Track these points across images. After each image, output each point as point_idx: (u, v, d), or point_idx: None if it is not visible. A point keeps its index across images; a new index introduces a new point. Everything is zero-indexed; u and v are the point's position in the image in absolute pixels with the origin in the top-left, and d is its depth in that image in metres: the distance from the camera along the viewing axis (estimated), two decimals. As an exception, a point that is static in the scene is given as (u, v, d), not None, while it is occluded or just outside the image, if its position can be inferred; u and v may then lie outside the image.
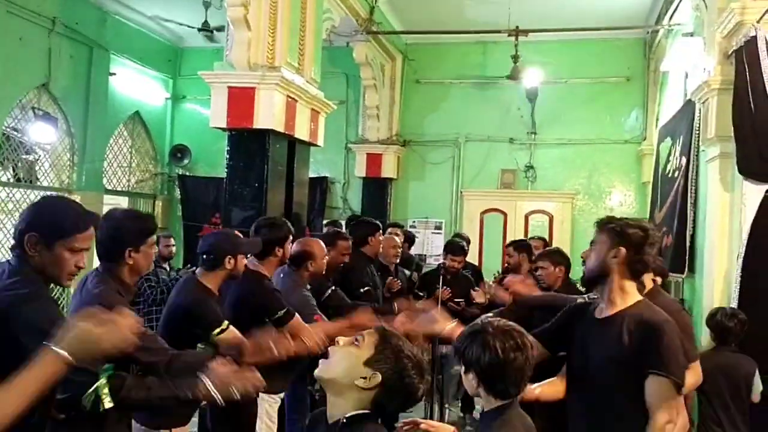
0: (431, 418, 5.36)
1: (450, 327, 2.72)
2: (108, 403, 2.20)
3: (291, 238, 3.76)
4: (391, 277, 5.49)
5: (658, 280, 3.49)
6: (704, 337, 4.57)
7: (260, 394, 3.72)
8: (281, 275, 4.00)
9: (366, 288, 4.78)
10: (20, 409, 1.60)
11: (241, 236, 3.42)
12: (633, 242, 2.39)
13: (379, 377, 1.67)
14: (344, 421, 1.67)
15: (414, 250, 7.49)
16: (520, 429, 1.91)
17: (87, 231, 2.21)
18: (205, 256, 3.22)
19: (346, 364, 1.70)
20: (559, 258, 4.72)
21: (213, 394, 2.29)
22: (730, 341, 4.07)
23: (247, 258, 3.39)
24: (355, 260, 4.81)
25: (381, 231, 5.13)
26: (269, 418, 3.87)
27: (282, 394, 3.95)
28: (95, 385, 2.18)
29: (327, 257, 4.06)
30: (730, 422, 3.81)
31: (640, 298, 2.43)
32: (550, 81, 8.44)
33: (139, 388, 2.28)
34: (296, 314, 3.49)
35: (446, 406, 5.69)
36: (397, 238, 5.86)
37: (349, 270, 4.79)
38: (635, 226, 2.43)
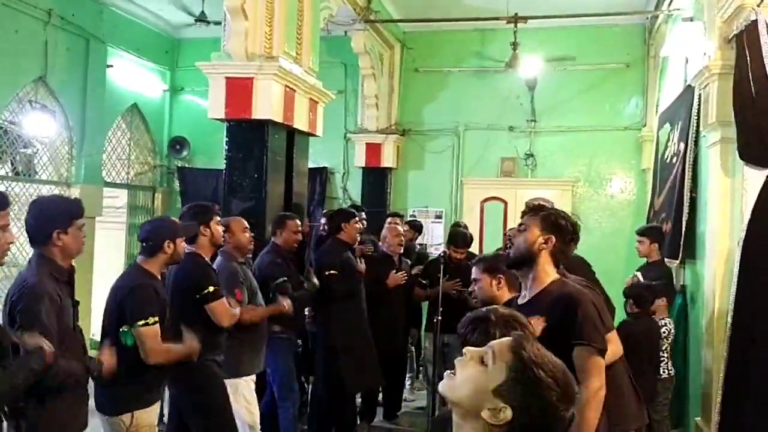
0: (434, 407, 5.38)
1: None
2: None
3: (218, 218, 3.87)
4: (395, 271, 5.49)
5: None
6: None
7: (232, 379, 3.82)
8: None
9: (331, 271, 4.92)
10: None
11: (178, 221, 3.50)
12: (563, 233, 2.54)
13: (509, 412, 1.35)
14: None
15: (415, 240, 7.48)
16: None
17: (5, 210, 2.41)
18: (144, 243, 3.30)
19: (470, 388, 1.39)
20: None
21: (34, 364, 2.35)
22: (647, 308, 4.78)
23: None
24: (330, 246, 5.10)
25: (356, 218, 5.22)
26: (246, 400, 3.95)
27: (253, 376, 4.03)
28: None
29: (246, 231, 4.19)
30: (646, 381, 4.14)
31: (555, 277, 2.55)
32: (549, 68, 8.41)
33: (4, 375, 2.29)
34: (222, 298, 3.59)
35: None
36: (399, 227, 5.85)
37: (323, 254, 5.08)
38: (567, 219, 2.59)
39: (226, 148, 5.03)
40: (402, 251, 5.75)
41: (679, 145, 5.90)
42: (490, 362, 1.39)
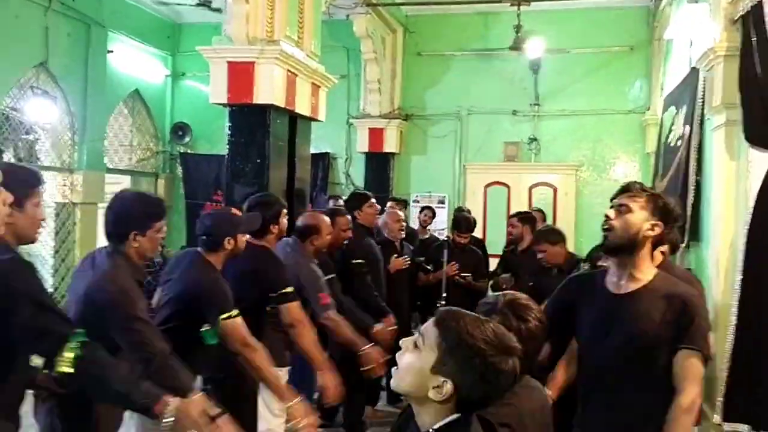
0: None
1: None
2: (65, 368, 2.08)
3: (285, 212, 3.76)
4: (396, 256, 5.48)
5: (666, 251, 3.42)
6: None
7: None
8: (287, 248, 3.99)
9: (358, 260, 4.77)
10: None
11: (238, 214, 3.40)
12: (669, 220, 2.30)
13: (449, 386, 1.42)
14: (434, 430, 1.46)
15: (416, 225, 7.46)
16: (527, 402, 1.90)
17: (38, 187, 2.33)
18: (204, 238, 3.19)
19: (413, 374, 1.46)
20: (556, 236, 4.75)
21: (167, 420, 2.15)
22: None
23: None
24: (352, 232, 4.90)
25: (368, 201, 5.14)
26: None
27: (288, 368, 3.97)
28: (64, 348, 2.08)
29: (331, 234, 4.06)
30: None
31: (657, 271, 2.33)
32: (553, 51, 8.34)
33: (101, 365, 2.16)
34: (299, 301, 3.46)
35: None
36: (400, 213, 5.84)
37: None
38: (673, 203, 2.36)
39: (229, 133, 5.00)
40: (403, 236, 5.74)
41: (684, 129, 5.86)
42: (421, 345, 1.45)
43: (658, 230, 2.26)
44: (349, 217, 4.62)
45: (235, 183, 4.99)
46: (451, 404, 1.45)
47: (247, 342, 3.02)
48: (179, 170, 9.28)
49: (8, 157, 6.67)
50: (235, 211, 3.47)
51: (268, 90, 4.82)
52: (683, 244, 5.56)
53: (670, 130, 6.53)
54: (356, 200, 5.22)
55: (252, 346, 3.03)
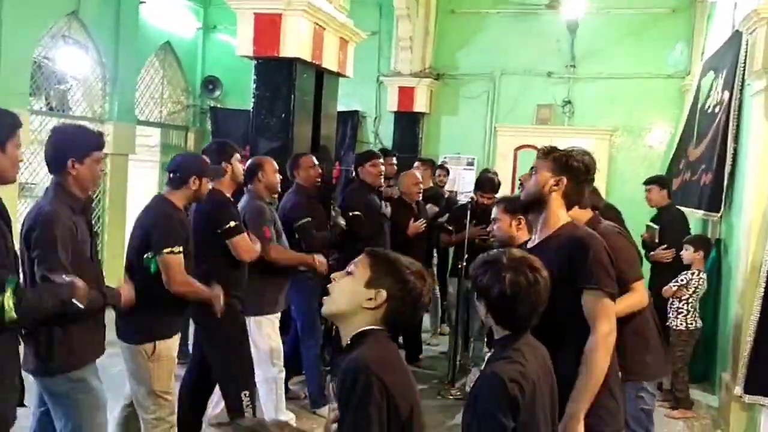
0: (455, 352, 5.40)
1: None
2: (12, 314, 2.20)
3: (238, 156, 3.82)
4: (413, 219, 5.44)
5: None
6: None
7: (256, 317, 3.90)
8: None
9: (355, 212, 4.91)
10: None
11: (207, 161, 3.46)
12: (574, 174, 2.45)
13: (384, 293, 1.71)
14: (349, 342, 1.71)
15: (446, 187, 7.40)
16: (530, 359, 1.88)
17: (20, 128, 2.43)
18: (171, 175, 3.29)
19: (348, 293, 1.74)
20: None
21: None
22: None
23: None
24: (354, 188, 5.19)
25: (374, 159, 5.14)
26: (268, 336, 4.01)
27: (277, 314, 4.06)
28: (2, 297, 2.19)
29: (277, 172, 4.16)
30: None
31: (566, 221, 2.47)
32: (591, 11, 8.07)
33: (33, 297, 2.33)
34: (243, 233, 3.58)
35: (471, 339, 5.69)
36: (418, 174, 5.78)
37: (347, 196, 5.15)
38: (579, 159, 2.48)
39: (254, 86, 4.97)
40: (420, 198, 5.68)
41: (723, 94, 5.66)
42: (355, 269, 1.75)
43: (562, 185, 2.44)
44: (313, 157, 4.70)
45: (260, 137, 4.99)
46: (379, 317, 1.73)
47: (179, 279, 3.09)
48: (209, 124, 9.30)
49: (40, 105, 6.74)
50: (204, 157, 3.55)
51: (294, 43, 4.77)
52: (718, 213, 5.43)
53: (708, 96, 6.31)
54: (362, 157, 5.28)
55: (183, 282, 3.11)
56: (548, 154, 2.51)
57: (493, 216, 3.37)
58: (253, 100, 5.01)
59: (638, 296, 3.01)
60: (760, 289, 4.22)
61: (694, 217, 6.47)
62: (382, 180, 5.28)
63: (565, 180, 2.44)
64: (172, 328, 3.23)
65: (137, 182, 8.02)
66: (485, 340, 5.63)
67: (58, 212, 2.61)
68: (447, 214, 6.00)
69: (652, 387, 3.42)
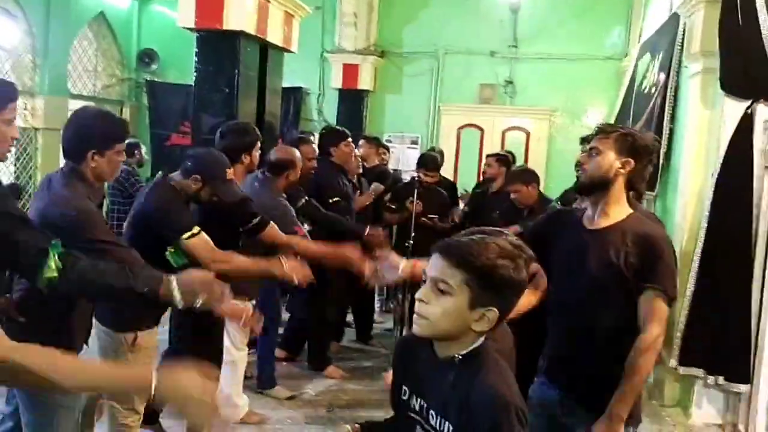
0: (402, 328, 5.43)
1: (406, 266, 2.43)
2: (51, 273, 1.98)
3: (259, 144, 3.64)
4: (358, 193, 5.41)
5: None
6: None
7: (231, 301, 3.72)
8: (255, 183, 3.91)
9: (335, 198, 4.71)
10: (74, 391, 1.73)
11: (229, 169, 3.20)
12: (642, 156, 2.31)
13: (494, 312, 1.50)
14: (460, 357, 1.54)
15: (390, 165, 7.39)
16: (507, 334, 1.92)
17: (16, 101, 2.17)
18: (185, 164, 3.08)
19: (452, 320, 1.50)
20: (529, 176, 4.78)
21: (175, 295, 2.10)
22: None
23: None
24: (322, 170, 4.77)
25: (346, 139, 4.95)
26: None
27: (252, 302, 3.94)
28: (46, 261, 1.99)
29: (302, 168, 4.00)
30: None
31: (631, 211, 2.35)
32: (533, -8, 8.19)
33: (92, 271, 2.07)
34: (271, 222, 3.38)
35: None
36: (355, 149, 5.74)
37: (319, 179, 4.74)
38: (647, 139, 2.36)
39: (196, 60, 4.82)
40: (360, 172, 5.63)
41: (659, 76, 5.81)
42: (448, 288, 1.48)
43: (629, 167, 2.29)
44: (314, 145, 4.50)
45: (203, 112, 4.85)
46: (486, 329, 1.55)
47: (216, 256, 2.91)
48: (146, 99, 9.00)
49: (-36, 77, 6.38)
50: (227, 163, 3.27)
51: (238, 15, 4.64)
52: (653, 192, 5.61)
53: (644, 77, 6.48)
54: (334, 136, 5.00)
55: (222, 260, 2.91)
56: (610, 133, 2.33)
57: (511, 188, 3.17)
58: (195, 74, 4.86)
59: None
60: (694, 266, 4.39)
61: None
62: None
63: (633, 162, 2.29)
64: (155, 317, 3.05)
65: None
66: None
67: (87, 204, 2.42)
68: (389, 192, 6.01)
69: None
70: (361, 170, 5.63)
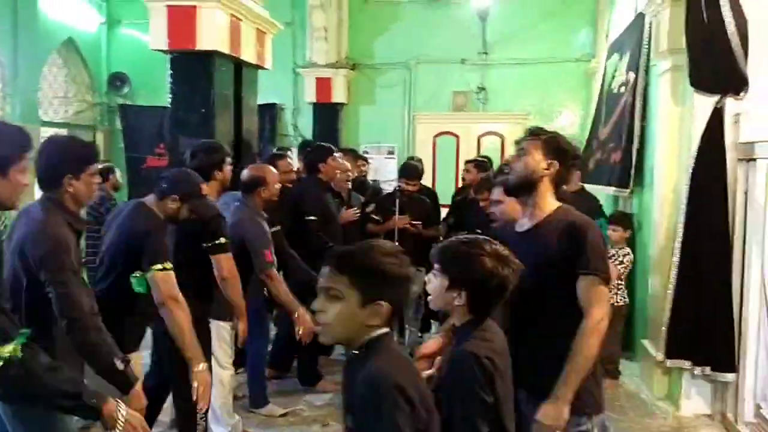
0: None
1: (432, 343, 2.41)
2: (3, 355, 1.87)
3: (229, 160, 3.69)
4: (345, 208, 5.42)
5: None
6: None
7: (217, 322, 3.71)
8: (235, 203, 3.91)
9: (311, 217, 4.68)
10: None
11: (199, 182, 3.24)
12: (566, 158, 2.43)
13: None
14: (357, 353, 1.66)
15: (369, 176, 7.41)
16: (494, 337, 1.94)
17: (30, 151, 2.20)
18: (160, 184, 3.12)
19: (348, 320, 1.63)
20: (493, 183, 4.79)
21: (119, 419, 2.04)
22: None
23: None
24: (306, 187, 4.79)
25: (332, 154, 4.98)
26: (227, 343, 3.88)
27: (230, 322, 3.93)
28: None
29: (278, 183, 3.98)
30: None
31: (558, 205, 2.46)
32: (500, -1, 8.31)
33: (45, 370, 1.96)
34: (229, 254, 3.39)
35: (406, 326, 5.76)
36: (347, 163, 5.76)
37: (299, 197, 4.76)
38: (569, 143, 2.49)
39: (171, 81, 4.80)
40: (350, 187, 5.66)
41: (627, 75, 5.92)
42: (339, 293, 1.62)
43: (553, 168, 2.41)
44: (289, 159, 4.52)
45: (179, 134, 4.82)
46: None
47: (174, 295, 2.92)
48: (118, 123, 8.94)
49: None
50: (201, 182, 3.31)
51: (211, 35, 4.64)
52: (627, 189, 5.70)
53: (613, 77, 6.59)
54: (321, 152, 4.99)
55: (178, 301, 2.94)
56: (538, 135, 2.44)
57: (494, 198, 3.10)
58: (169, 96, 4.84)
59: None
60: (675, 259, 4.46)
61: (606, 194, 6.77)
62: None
63: (557, 164, 2.40)
64: (134, 341, 3.04)
65: (45, 186, 7.62)
66: (419, 326, 5.71)
67: (62, 232, 2.41)
68: (373, 204, 6.02)
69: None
70: (349, 185, 5.65)
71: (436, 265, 1.99)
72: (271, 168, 4.05)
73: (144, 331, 3.22)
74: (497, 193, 3.04)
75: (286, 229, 4.47)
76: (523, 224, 2.47)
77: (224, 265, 3.38)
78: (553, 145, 2.41)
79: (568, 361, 2.25)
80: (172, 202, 3.05)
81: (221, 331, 3.85)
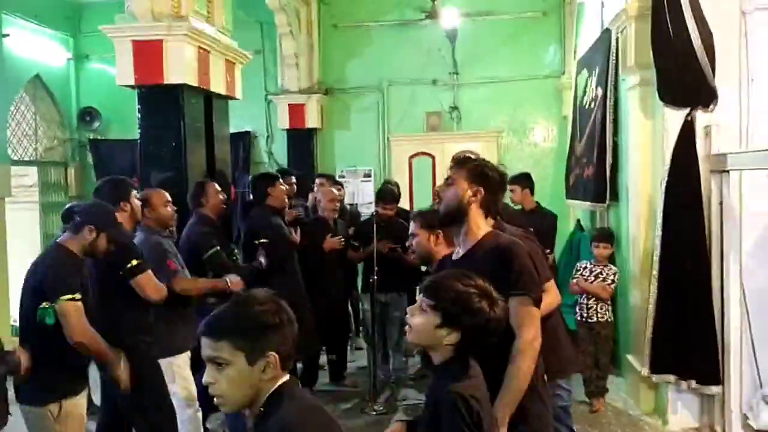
0: (374, 366, 5.37)
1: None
2: None
3: (135, 192, 3.69)
4: (330, 235, 5.38)
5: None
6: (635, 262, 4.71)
7: (164, 359, 3.65)
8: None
9: (262, 240, 4.69)
10: None
11: (114, 214, 3.27)
12: (491, 184, 2.48)
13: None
14: (260, 411, 1.59)
15: (346, 200, 7.36)
16: (476, 374, 1.92)
17: None
18: (71, 219, 3.11)
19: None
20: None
21: None
22: None
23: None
24: (258, 213, 4.90)
25: (280, 180, 5.00)
26: (183, 378, 3.81)
27: (187, 353, 3.86)
28: None
29: (168, 204, 3.96)
30: None
31: (487, 230, 2.50)
32: (467, 19, 8.37)
33: None
34: (148, 271, 3.41)
35: (390, 353, 5.71)
36: (333, 191, 5.71)
37: (252, 222, 4.90)
38: (494, 169, 2.52)
39: (140, 116, 4.75)
40: (337, 215, 5.64)
41: (597, 91, 5.97)
42: (225, 360, 1.55)
43: (480, 196, 2.46)
44: (215, 184, 4.55)
45: (151, 168, 4.78)
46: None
47: (81, 328, 2.91)
48: (90, 158, 8.81)
49: None
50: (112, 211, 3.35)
51: (179, 69, 4.60)
52: (604, 204, 5.72)
53: (585, 93, 6.65)
54: (263, 180, 5.05)
55: (84, 332, 2.93)
56: (463, 164, 2.50)
57: (411, 231, 3.24)
58: (139, 131, 4.78)
59: (552, 296, 3.06)
60: (654, 272, 4.46)
61: (582, 209, 6.80)
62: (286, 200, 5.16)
63: (482, 190, 2.45)
64: (78, 384, 3.00)
65: (16, 226, 7.46)
66: (404, 350, 5.65)
67: None
68: (352, 227, 5.98)
69: (566, 383, 3.54)
70: (337, 213, 5.61)
71: (426, 300, 1.93)
72: (159, 191, 4.04)
73: (86, 370, 3.17)
74: (413, 226, 3.19)
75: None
76: (458, 252, 2.52)
77: (143, 284, 3.37)
78: (477, 172, 2.47)
79: (504, 384, 2.25)
80: (89, 233, 3.05)
81: (175, 368, 3.77)
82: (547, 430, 2.44)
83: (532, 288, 2.34)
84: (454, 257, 2.52)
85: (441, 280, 1.98)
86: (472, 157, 2.59)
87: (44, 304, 2.86)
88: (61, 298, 2.85)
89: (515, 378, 2.26)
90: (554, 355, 3.12)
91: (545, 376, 2.54)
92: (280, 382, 1.59)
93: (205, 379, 1.58)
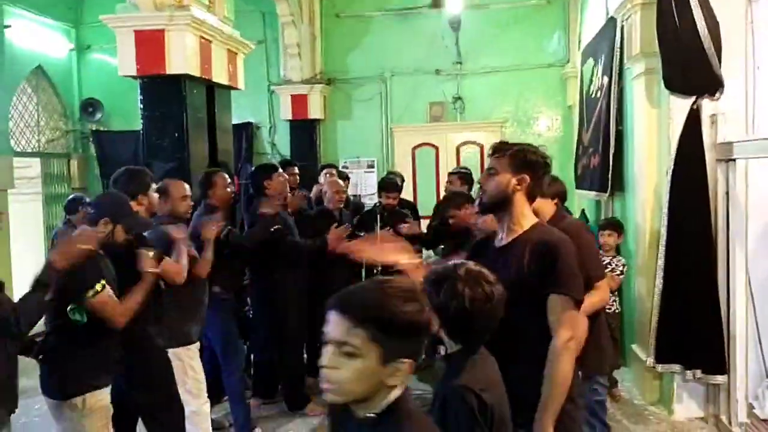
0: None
1: (408, 262, 2.45)
2: None
3: (154, 186, 3.62)
4: (335, 226, 5.35)
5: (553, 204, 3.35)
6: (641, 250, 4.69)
7: (174, 349, 3.62)
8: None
9: (276, 227, 4.60)
10: None
11: (132, 209, 3.22)
12: (534, 169, 2.39)
13: (407, 362, 1.39)
14: (374, 416, 1.41)
15: (349, 191, 7.34)
16: (488, 368, 1.87)
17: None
18: (92, 212, 3.11)
19: (365, 382, 1.38)
20: (461, 199, 4.78)
21: None
22: None
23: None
24: (257, 204, 4.76)
25: (279, 171, 4.87)
26: (193, 370, 3.79)
27: (197, 344, 3.84)
28: None
29: (187, 199, 3.89)
30: None
31: (536, 221, 2.43)
32: (471, 7, 8.31)
33: None
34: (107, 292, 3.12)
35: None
36: (339, 181, 5.69)
37: (257, 213, 4.75)
38: (537, 153, 2.44)
39: (142, 107, 4.74)
40: (342, 205, 5.61)
41: (602, 79, 5.93)
42: (356, 350, 1.35)
43: (525, 183, 2.38)
44: (225, 175, 4.46)
45: (153, 160, 4.75)
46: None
47: (120, 310, 2.90)
48: (93, 149, 8.81)
49: None
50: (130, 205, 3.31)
51: (181, 59, 4.58)
52: (606, 193, 5.69)
53: (591, 82, 6.61)
54: (263, 171, 4.87)
55: (126, 311, 2.92)
56: (504, 152, 2.40)
57: (490, 165, 3.07)
58: (142, 121, 4.77)
59: (602, 294, 3.05)
60: (660, 262, 4.44)
61: (588, 198, 6.77)
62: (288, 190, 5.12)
63: (527, 177, 2.37)
64: (102, 376, 2.95)
65: (19, 217, 7.47)
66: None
67: None
68: (356, 218, 5.96)
69: (603, 379, 3.52)
70: (342, 203, 5.58)
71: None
72: (177, 182, 3.94)
73: (111, 363, 3.12)
74: (494, 161, 2.95)
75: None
76: (501, 239, 2.44)
77: (100, 308, 2.98)
78: (520, 158, 2.38)
79: (544, 389, 2.19)
80: (104, 225, 3.01)
81: (185, 358, 3.75)
82: (578, 428, 2.39)
83: (575, 289, 2.27)
84: (497, 243, 2.44)
85: (428, 273, 1.93)
86: (510, 143, 2.49)
87: (71, 305, 2.81)
88: (87, 296, 2.78)
89: (555, 381, 2.20)
90: (597, 352, 3.10)
91: (586, 373, 2.49)
92: (399, 392, 1.41)
93: (325, 362, 1.37)
